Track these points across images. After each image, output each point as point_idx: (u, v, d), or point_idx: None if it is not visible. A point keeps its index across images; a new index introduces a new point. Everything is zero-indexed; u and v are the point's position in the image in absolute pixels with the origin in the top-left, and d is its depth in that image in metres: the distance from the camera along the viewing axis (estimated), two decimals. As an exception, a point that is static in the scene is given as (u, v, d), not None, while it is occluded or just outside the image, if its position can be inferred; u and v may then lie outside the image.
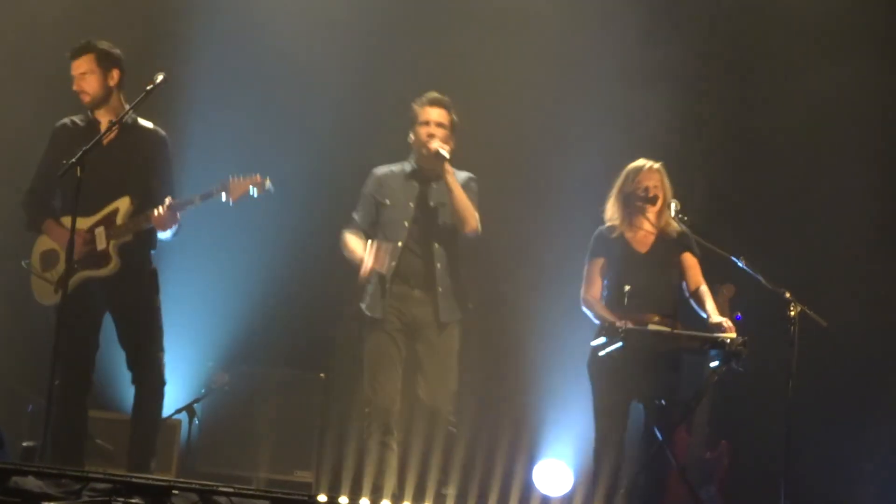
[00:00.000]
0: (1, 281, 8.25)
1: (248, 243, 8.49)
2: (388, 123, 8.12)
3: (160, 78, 6.35)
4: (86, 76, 6.54)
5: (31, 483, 4.92)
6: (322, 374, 8.45)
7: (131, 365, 6.56)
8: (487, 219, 7.18)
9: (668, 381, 6.78)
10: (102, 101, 6.56)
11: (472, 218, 6.94)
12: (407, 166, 7.06)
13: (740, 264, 6.86)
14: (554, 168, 8.81)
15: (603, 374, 6.73)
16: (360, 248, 6.84)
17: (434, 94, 6.99)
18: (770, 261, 7.14)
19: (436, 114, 6.95)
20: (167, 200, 6.45)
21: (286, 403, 8.33)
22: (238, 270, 8.60)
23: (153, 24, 8.52)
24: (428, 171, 6.99)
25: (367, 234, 6.99)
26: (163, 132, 6.71)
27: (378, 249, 6.76)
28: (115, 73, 6.58)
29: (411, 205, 6.98)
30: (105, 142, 6.48)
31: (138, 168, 6.57)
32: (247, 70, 8.74)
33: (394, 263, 6.82)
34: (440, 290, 6.93)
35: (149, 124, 6.68)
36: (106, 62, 6.56)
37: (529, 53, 8.82)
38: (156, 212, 6.42)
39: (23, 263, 6.56)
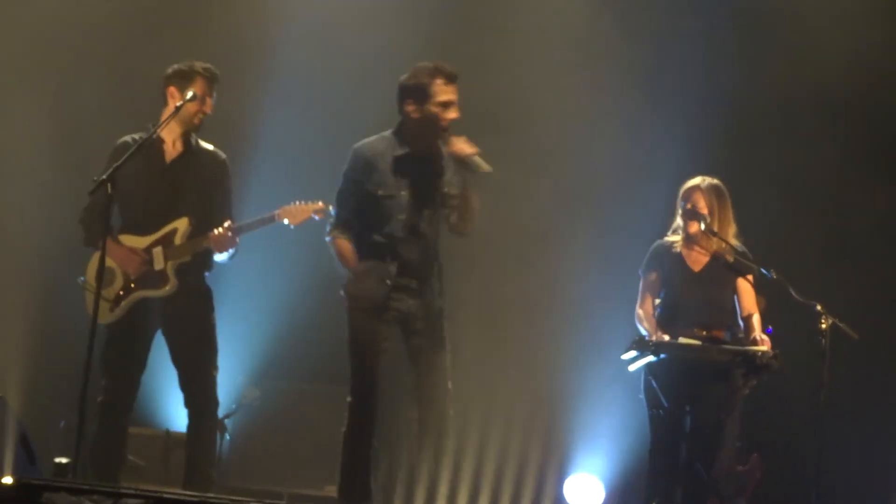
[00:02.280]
0: (34, 298, 8.34)
1: (278, 259, 8.51)
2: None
3: (190, 95, 6.37)
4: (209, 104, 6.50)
5: (64, 499, 4.94)
6: (352, 389, 8.45)
7: (184, 385, 6.53)
8: (518, 226, 7.16)
9: (717, 394, 6.76)
10: None
11: (474, 222, 6.13)
12: (396, 146, 6.10)
13: (768, 275, 6.84)
14: (585, 171, 8.80)
15: (652, 388, 6.73)
16: (347, 261, 6.14)
17: (449, 68, 6.02)
18: (801, 273, 7.12)
19: (455, 92, 6.01)
20: (227, 223, 6.44)
21: (316, 418, 8.33)
22: (268, 286, 8.62)
23: (215, 45, 8.53)
24: (422, 153, 6.09)
25: (352, 226, 6.18)
26: (223, 155, 6.68)
27: (368, 284, 6.07)
28: None
29: (404, 193, 6.08)
30: (168, 160, 6.51)
31: (198, 189, 6.54)
32: (306, 94, 8.78)
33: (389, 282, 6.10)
34: (437, 286, 6.20)
35: (209, 146, 6.66)
36: None
37: (559, 53, 8.83)
38: (215, 232, 6.40)
39: (78, 280, 6.57)
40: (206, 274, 6.61)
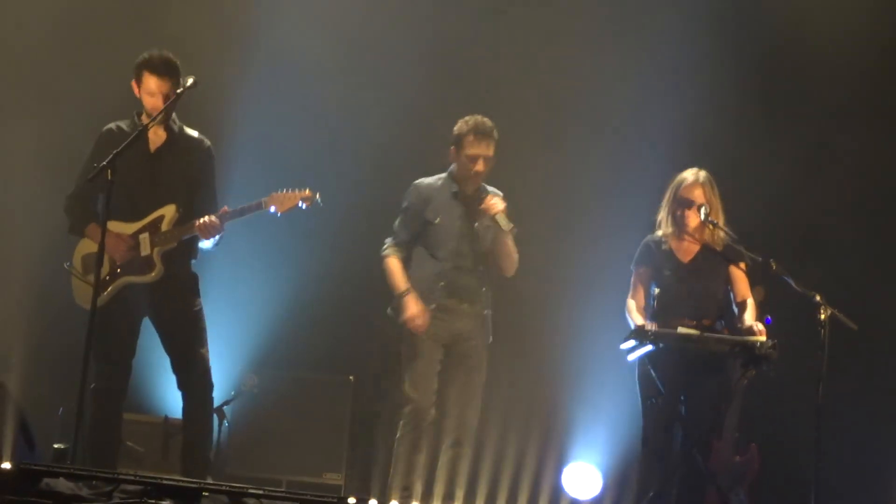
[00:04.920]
0: (32, 284, 8.34)
1: (277, 248, 8.52)
2: (422, 136, 8.24)
3: (190, 81, 6.36)
4: (167, 94, 6.42)
5: (63, 485, 4.94)
6: (351, 377, 8.47)
7: (177, 369, 6.54)
8: (519, 218, 7.21)
9: (711, 384, 6.77)
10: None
11: (514, 265, 7.00)
12: (450, 184, 6.99)
13: (761, 262, 6.85)
14: (589, 171, 8.81)
15: (646, 377, 6.74)
16: (401, 281, 6.88)
17: (482, 124, 6.86)
18: (800, 263, 7.13)
19: (484, 147, 6.85)
20: (223, 209, 6.45)
21: (315, 406, 8.35)
22: (267, 274, 8.63)
23: (199, 35, 8.52)
24: (471, 195, 6.95)
25: (409, 249, 7.00)
26: (208, 142, 6.69)
27: (418, 313, 6.78)
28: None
29: (458, 224, 6.92)
30: (152, 149, 6.51)
31: (185, 176, 6.55)
32: (292, 83, 8.77)
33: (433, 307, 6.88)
34: (486, 312, 6.99)
35: (195, 133, 6.66)
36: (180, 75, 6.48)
37: (569, 56, 8.83)
38: (201, 220, 6.41)
39: (65, 265, 6.57)
40: (192, 261, 6.62)
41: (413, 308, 6.78)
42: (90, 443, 6.38)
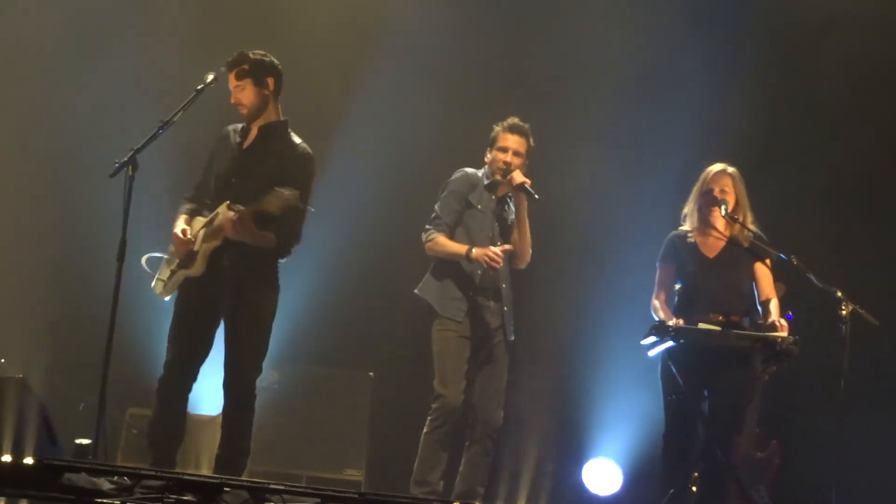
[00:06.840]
0: (56, 280, 8.37)
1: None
2: (440, 138, 8.25)
3: (210, 77, 6.37)
4: (241, 88, 6.42)
5: (84, 480, 4.96)
6: (371, 373, 8.48)
7: (225, 374, 6.40)
8: (541, 212, 7.23)
9: (734, 380, 6.75)
10: (259, 111, 6.45)
11: (528, 254, 7.16)
12: (485, 178, 7.15)
13: (786, 259, 6.83)
14: (611, 164, 8.81)
15: (668, 373, 6.73)
16: (459, 246, 6.95)
17: (515, 121, 7.08)
18: (822, 259, 7.11)
19: (515, 141, 7.05)
20: (240, 208, 6.28)
21: (335, 402, 8.37)
22: (286, 269, 8.63)
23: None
24: (498, 188, 7.13)
25: (452, 232, 7.06)
26: (304, 149, 6.47)
27: (491, 250, 6.84)
28: (270, 82, 6.45)
29: (490, 216, 7.11)
30: (245, 146, 6.48)
31: (260, 177, 6.35)
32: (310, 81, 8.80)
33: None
34: (506, 308, 7.07)
35: (294, 139, 6.50)
36: (260, 72, 6.42)
37: (602, 53, 8.83)
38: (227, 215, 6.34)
39: (166, 254, 6.59)
40: (279, 264, 6.52)
41: (484, 250, 6.84)
42: (151, 433, 6.33)
